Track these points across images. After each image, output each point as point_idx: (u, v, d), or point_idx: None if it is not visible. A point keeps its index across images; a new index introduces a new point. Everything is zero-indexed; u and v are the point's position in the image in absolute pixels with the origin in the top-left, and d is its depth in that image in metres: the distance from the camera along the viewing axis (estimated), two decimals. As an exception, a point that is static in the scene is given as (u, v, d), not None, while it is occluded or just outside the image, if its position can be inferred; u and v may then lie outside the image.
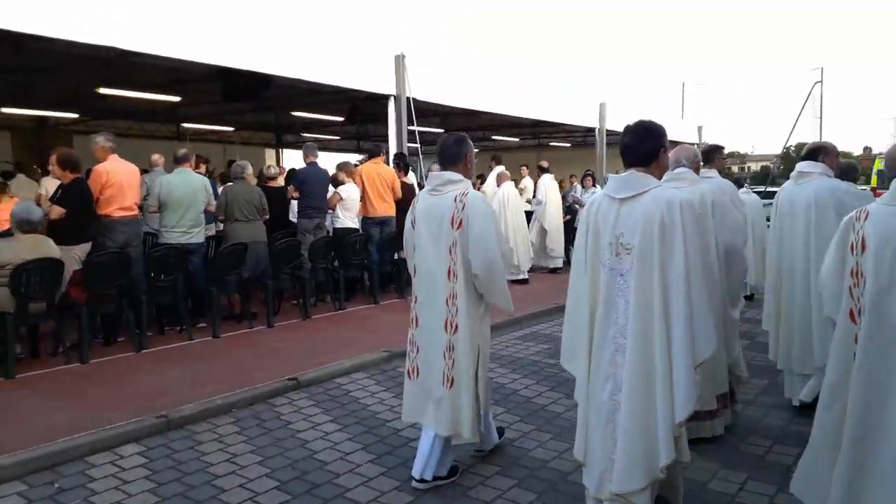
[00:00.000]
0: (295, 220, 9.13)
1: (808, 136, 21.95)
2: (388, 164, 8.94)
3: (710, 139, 19.78)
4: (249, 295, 7.10)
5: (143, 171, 7.47)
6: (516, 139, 21.27)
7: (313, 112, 14.74)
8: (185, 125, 16.23)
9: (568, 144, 22.22)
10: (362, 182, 8.50)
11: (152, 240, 7.48)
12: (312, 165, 8.22)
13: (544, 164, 11.85)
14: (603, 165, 15.56)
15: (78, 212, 5.90)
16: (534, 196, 11.72)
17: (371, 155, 8.77)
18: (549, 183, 11.41)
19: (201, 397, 4.70)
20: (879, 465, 2.37)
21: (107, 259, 5.78)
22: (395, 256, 8.55)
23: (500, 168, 10.68)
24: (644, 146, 2.87)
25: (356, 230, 8.49)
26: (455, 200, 3.44)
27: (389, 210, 8.72)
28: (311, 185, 8.04)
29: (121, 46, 6.33)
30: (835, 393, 2.56)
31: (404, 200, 8.98)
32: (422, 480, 3.48)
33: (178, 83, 11.82)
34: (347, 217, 8.44)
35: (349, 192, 8.40)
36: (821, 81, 23.54)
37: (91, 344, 5.78)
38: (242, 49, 7.35)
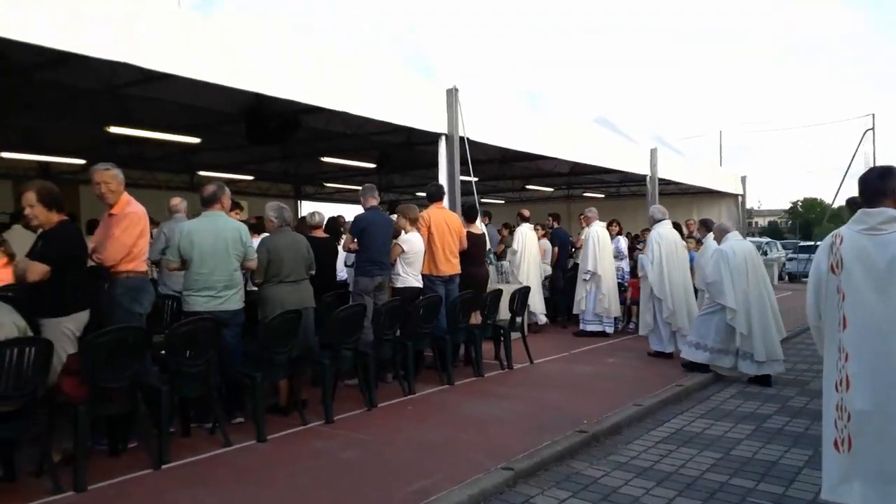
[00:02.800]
0: (345, 277, 7.54)
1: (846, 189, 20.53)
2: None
3: (753, 189, 18.47)
4: (297, 379, 5.42)
5: (153, 222, 5.95)
6: (549, 189, 19.88)
7: (342, 157, 13.32)
8: (202, 173, 14.77)
9: (602, 195, 20.86)
10: (429, 232, 6.93)
11: (173, 306, 5.85)
12: (373, 211, 6.65)
13: (525, 212, 10.56)
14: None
15: (67, 268, 4.25)
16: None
17: (433, 198, 7.22)
18: (527, 233, 10.10)
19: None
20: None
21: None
22: (469, 322, 6.89)
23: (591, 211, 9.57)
24: None
25: (419, 290, 6.87)
26: None
27: (456, 267, 7.12)
28: (373, 234, 6.45)
29: (140, 64, 4.85)
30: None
31: (470, 254, 7.43)
32: None
33: (197, 125, 10.44)
34: (410, 274, 6.82)
35: (413, 243, 6.80)
36: (873, 129, 22.24)
37: (89, 455, 4.08)
38: (278, 77, 5.83)
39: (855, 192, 3.60)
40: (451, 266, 7.02)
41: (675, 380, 6.96)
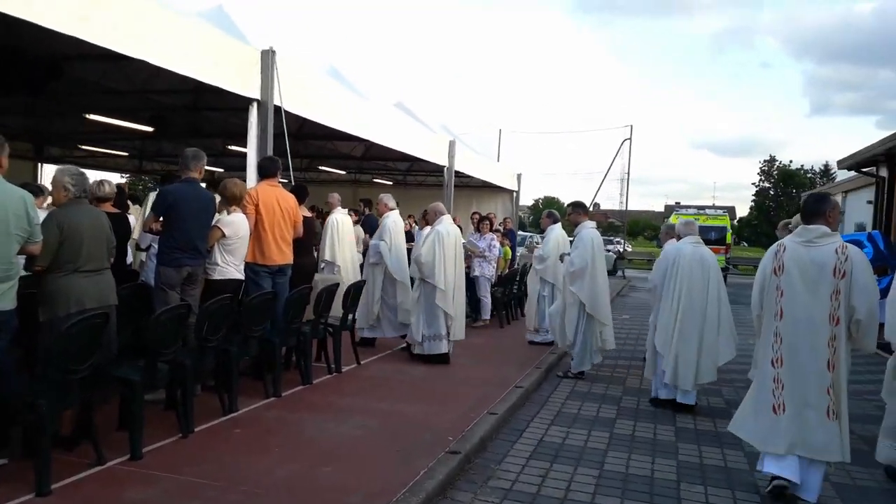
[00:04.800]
0: (139, 267, 6.06)
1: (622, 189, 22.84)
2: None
3: (527, 186, 19.59)
4: (91, 402, 4.02)
5: None
6: (342, 171, 19.00)
7: (111, 117, 11.08)
8: None
9: (390, 182, 20.53)
10: (256, 212, 5.78)
11: None
12: (188, 183, 5.30)
13: (336, 196, 8.94)
14: (451, 207, 14.10)
15: None
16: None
17: (265, 173, 6.06)
18: (342, 220, 8.53)
19: None
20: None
21: None
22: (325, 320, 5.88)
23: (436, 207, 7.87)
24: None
25: (241, 282, 5.72)
26: (837, 252, 3.91)
27: (288, 256, 6.08)
28: (184, 212, 5.13)
29: None
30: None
31: (304, 241, 6.44)
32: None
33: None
34: (231, 264, 5.61)
35: (236, 225, 5.60)
36: (630, 138, 24.82)
37: None
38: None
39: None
40: (282, 255, 5.96)
41: (508, 378, 6.72)
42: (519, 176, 19.94)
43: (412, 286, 7.58)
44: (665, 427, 5.68)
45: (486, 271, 10.09)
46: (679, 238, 6.54)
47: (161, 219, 5.19)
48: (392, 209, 8.05)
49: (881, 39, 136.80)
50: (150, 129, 11.79)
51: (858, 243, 8.41)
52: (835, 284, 3.89)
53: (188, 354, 4.55)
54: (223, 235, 5.50)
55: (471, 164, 14.96)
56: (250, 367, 5.85)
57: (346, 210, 9.66)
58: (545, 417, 5.81)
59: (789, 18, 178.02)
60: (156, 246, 5.55)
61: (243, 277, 5.72)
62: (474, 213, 11.99)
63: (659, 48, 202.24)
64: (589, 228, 7.30)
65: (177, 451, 4.24)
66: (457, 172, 14.21)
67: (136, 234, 6.20)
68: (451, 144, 13.73)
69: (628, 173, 28.29)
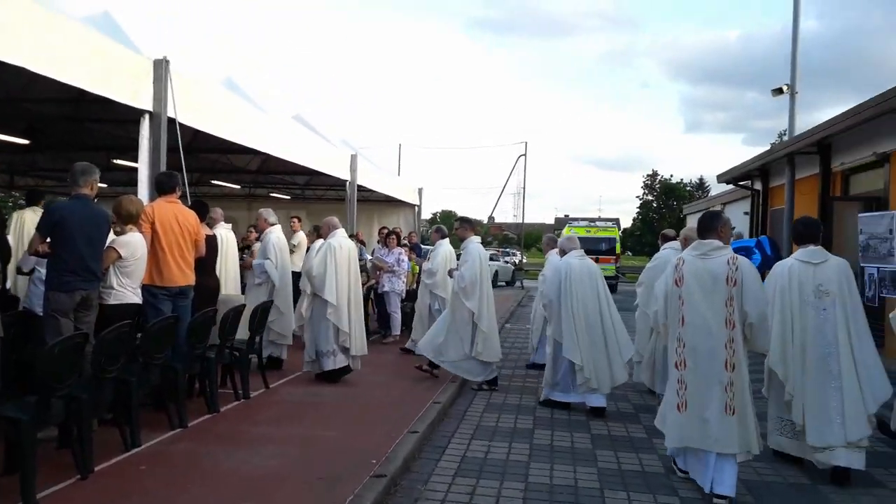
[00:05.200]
0: (21, 293, 5.53)
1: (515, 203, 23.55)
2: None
3: (426, 201, 19.70)
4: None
5: None
6: (236, 186, 18.28)
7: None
8: None
9: (288, 197, 20.00)
10: (153, 230, 5.40)
11: None
12: (79, 200, 4.86)
13: (218, 211, 7.93)
14: (354, 222, 13.92)
15: None
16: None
17: (163, 189, 5.68)
18: (227, 235, 7.82)
19: None
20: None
21: None
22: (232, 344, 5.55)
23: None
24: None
25: (139, 307, 5.32)
26: (728, 263, 4.33)
27: (190, 277, 5.72)
28: (74, 231, 4.70)
29: None
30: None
31: (208, 260, 6.12)
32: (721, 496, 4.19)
33: None
34: (128, 287, 5.19)
35: (133, 245, 5.20)
36: (525, 154, 25.46)
37: None
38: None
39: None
40: (182, 276, 5.59)
41: (425, 394, 6.65)
42: (420, 190, 20.00)
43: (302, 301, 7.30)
44: (581, 434, 5.78)
45: (396, 286, 9.98)
46: (563, 253, 6.88)
47: (48, 240, 4.74)
48: (273, 224, 7.76)
49: (747, 63, 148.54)
50: (25, 141, 10.83)
51: (748, 250, 9.01)
52: (728, 292, 4.26)
53: (84, 387, 4.14)
54: (119, 257, 5.09)
55: (373, 179, 14.82)
56: (151, 396, 5.45)
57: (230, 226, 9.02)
58: (465, 432, 5.77)
59: (666, 42, 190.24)
60: (41, 269, 5.07)
61: (141, 301, 5.32)
62: (382, 228, 11.86)
63: (550, 68, 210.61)
64: (475, 243, 7.48)
65: (76, 494, 3.84)
66: (359, 187, 14.05)
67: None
68: (353, 158, 13.55)
69: (524, 188, 29.03)
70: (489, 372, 7.26)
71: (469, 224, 7.67)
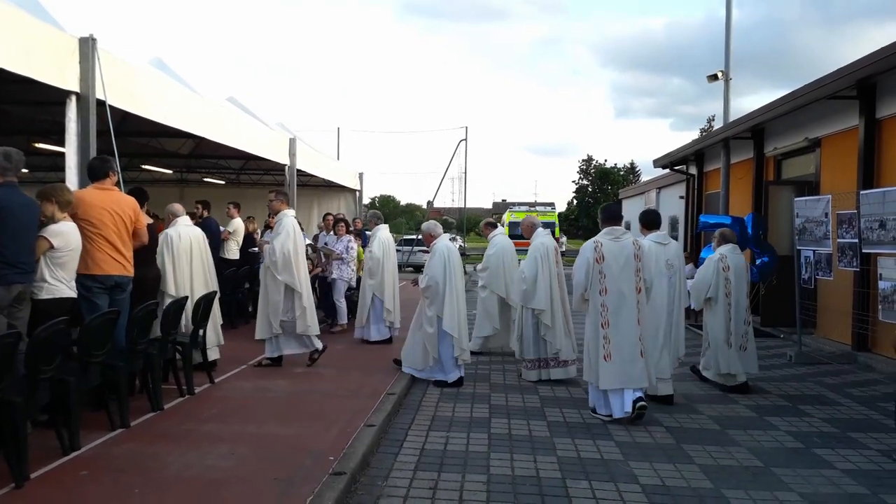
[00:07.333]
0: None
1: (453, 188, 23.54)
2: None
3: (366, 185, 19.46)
4: None
5: None
6: (168, 171, 17.51)
7: None
8: None
9: (223, 182, 19.32)
10: (80, 217, 5.04)
11: None
12: (11, 188, 4.46)
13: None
14: (294, 205, 13.56)
15: None
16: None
17: (95, 175, 5.31)
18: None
19: None
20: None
21: None
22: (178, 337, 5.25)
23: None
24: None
25: (74, 301, 4.97)
26: (633, 244, 5.85)
27: (128, 268, 5.38)
28: (10, 221, 4.34)
29: None
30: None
31: (149, 249, 5.79)
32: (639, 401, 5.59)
33: None
34: (62, 280, 4.84)
35: (67, 236, 4.84)
36: (466, 139, 25.37)
37: None
38: None
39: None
40: (118, 266, 5.26)
41: (378, 385, 6.53)
42: (361, 175, 19.67)
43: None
44: (537, 422, 5.77)
45: (345, 274, 9.76)
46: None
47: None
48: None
49: (672, 51, 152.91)
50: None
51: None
52: (636, 265, 5.77)
53: (17, 389, 3.83)
54: (51, 247, 4.74)
55: (312, 163, 14.42)
56: (89, 395, 5.11)
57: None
58: (422, 423, 5.67)
59: (595, 29, 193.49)
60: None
61: (76, 295, 4.97)
62: (327, 215, 11.56)
63: (486, 54, 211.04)
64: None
65: (9, 507, 3.55)
66: (298, 171, 13.67)
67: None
68: (292, 142, 13.14)
69: (465, 172, 29.01)
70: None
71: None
